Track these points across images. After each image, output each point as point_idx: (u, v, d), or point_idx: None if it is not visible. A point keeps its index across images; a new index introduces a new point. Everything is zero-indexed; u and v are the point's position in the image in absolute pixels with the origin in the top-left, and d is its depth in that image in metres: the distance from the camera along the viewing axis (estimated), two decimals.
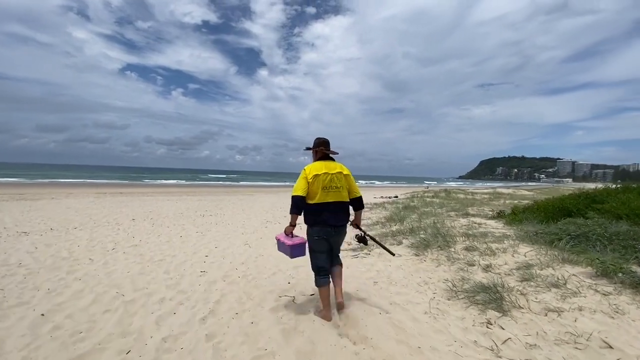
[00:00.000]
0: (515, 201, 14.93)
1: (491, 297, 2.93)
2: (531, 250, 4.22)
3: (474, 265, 3.91)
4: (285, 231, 2.85)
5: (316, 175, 2.74)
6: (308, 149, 3.03)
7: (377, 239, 3.42)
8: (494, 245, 4.54)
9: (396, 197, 19.71)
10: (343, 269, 3.10)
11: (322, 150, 2.93)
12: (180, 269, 4.32)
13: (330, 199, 2.76)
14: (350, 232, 3.20)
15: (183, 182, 41.02)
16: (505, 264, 3.85)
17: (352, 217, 3.00)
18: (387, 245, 5.38)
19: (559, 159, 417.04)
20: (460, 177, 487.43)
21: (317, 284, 2.89)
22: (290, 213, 2.73)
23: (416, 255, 4.68)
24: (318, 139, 2.99)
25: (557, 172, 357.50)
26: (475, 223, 6.86)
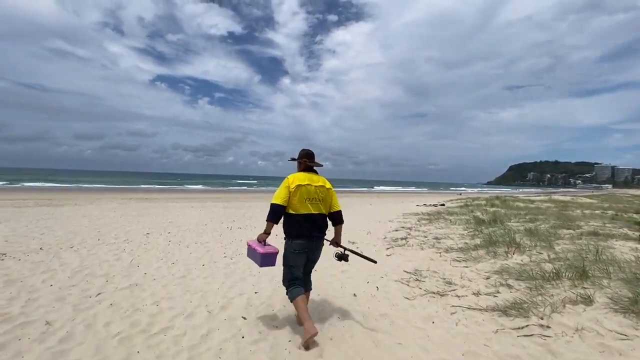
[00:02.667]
0: (597, 211, 11.98)
1: None
2: None
3: None
4: (258, 238, 2.70)
5: (299, 186, 2.66)
6: (293, 159, 2.93)
7: (353, 249, 3.16)
8: None
9: (442, 204, 17.12)
10: None
11: (305, 162, 2.84)
12: None
13: (314, 211, 2.70)
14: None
15: (209, 187, 39.66)
16: None
17: (330, 235, 2.83)
18: (534, 298, 3.06)
19: (596, 163, 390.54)
20: (488, 183, 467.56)
21: (293, 295, 2.65)
22: (267, 220, 2.61)
23: None
24: (303, 150, 2.91)
25: (595, 177, 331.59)
26: None
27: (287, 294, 2.70)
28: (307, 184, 2.66)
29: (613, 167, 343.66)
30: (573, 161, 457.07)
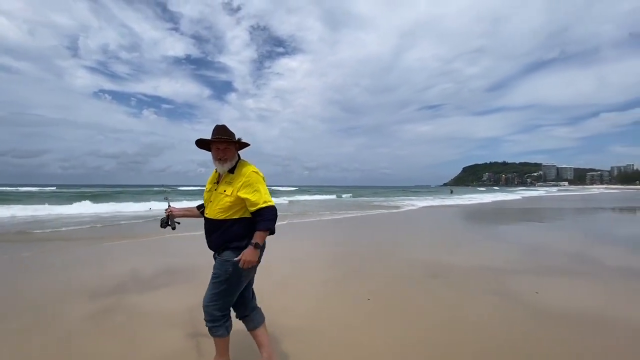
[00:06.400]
0: None
1: None
2: None
3: None
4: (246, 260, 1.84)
5: None
6: (243, 143, 2.04)
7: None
8: None
9: None
10: None
11: (242, 142, 2.03)
12: None
13: None
14: None
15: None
16: None
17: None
18: None
19: (536, 163, 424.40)
20: (445, 184, 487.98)
21: (226, 331, 1.99)
22: (267, 230, 1.88)
23: None
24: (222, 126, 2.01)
25: (544, 176, 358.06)
26: None
27: (219, 330, 1.95)
28: None
29: (557, 167, 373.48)
30: (517, 162, 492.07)
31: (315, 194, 38.64)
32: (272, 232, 1.91)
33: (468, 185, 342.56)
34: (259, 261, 1.96)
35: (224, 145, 1.96)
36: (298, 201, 26.45)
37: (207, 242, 2.04)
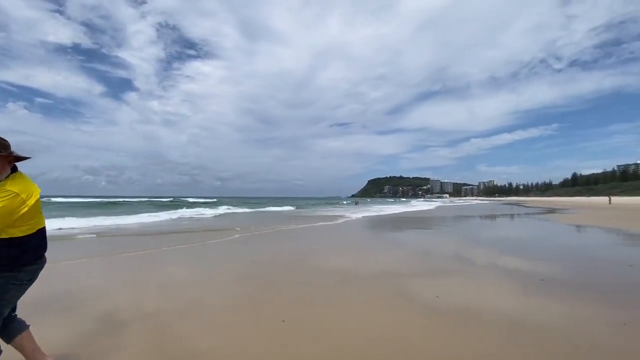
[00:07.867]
0: None
1: None
2: None
3: None
4: None
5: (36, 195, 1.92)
6: (16, 157, 1.90)
7: None
8: None
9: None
10: None
11: (12, 155, 1.88)
12: None
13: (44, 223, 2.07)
14: None
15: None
16: None
17: None
18: None
19: (425, 178, 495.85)
20: (353, 196, 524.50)
21: None
22: None
23: None
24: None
25: (432, 189, 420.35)
26: None
27: None
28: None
29: (441, 182, 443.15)
30: (411, 176, 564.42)
31: (244, 207, 36.20)
32: None
33: (373, 197, 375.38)
34: (29, 281, 1.93)
35: None
36: (226, 214, 23.86)
37: None
